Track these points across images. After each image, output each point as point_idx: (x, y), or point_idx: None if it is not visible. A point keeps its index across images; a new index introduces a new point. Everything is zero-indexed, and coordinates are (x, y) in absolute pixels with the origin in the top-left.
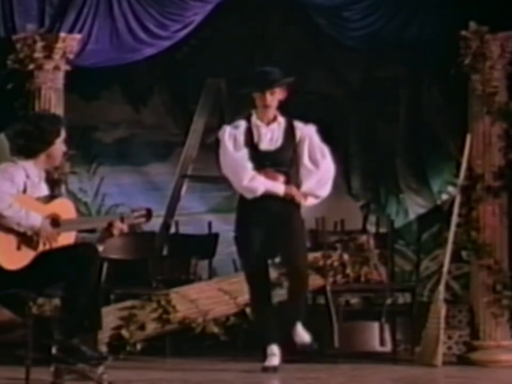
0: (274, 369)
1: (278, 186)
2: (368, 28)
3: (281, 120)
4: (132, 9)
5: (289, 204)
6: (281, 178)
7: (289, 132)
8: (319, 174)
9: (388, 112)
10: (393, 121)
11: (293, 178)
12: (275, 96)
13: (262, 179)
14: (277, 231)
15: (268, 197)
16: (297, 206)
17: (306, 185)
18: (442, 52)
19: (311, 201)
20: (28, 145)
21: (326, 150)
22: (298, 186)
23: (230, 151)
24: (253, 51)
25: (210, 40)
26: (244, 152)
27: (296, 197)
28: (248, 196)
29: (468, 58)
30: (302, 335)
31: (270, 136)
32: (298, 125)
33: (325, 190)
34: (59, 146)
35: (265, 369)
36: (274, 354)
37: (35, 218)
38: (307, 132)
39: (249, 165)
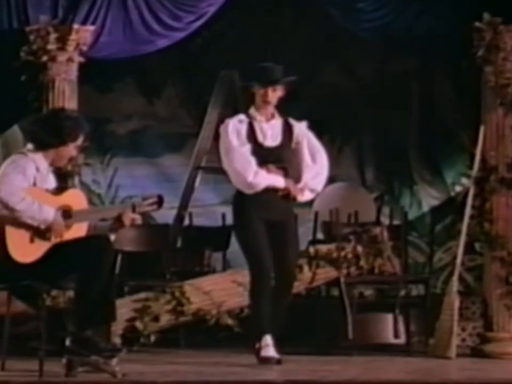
0: (276, 360)
1: (279, 180)
2: (382, 20)
3: (278, 117)
4: (146, 0)
5: (286, 202)
6: (282, 174)
7: (287, 129)
8: (316, 168)
9: (400, 105)
10: (406, 114)
11: (291, 175)
12: (276, 93)
13: (265, 174)
14: (275, 229)
15: (267, 191)
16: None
17: (303, 179)
18: (454, 44)
19: (307, 195)
20: (41, 135)
21: (320, 145)
22: (297, 182)
23: (234, 145)
24: (266, 43)
25: (224, 31)
26: (248, 148)
27: (293, 191)
28: (249, 191)
29: (481, 50)
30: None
31: (271, 132)
32: (294, 123)
33: (321, 184)
34: (70, 150)
35: (266, 360)
36: (270, 345)
37: (48, 212)
38: (304, 129)
39: (253, 161)
